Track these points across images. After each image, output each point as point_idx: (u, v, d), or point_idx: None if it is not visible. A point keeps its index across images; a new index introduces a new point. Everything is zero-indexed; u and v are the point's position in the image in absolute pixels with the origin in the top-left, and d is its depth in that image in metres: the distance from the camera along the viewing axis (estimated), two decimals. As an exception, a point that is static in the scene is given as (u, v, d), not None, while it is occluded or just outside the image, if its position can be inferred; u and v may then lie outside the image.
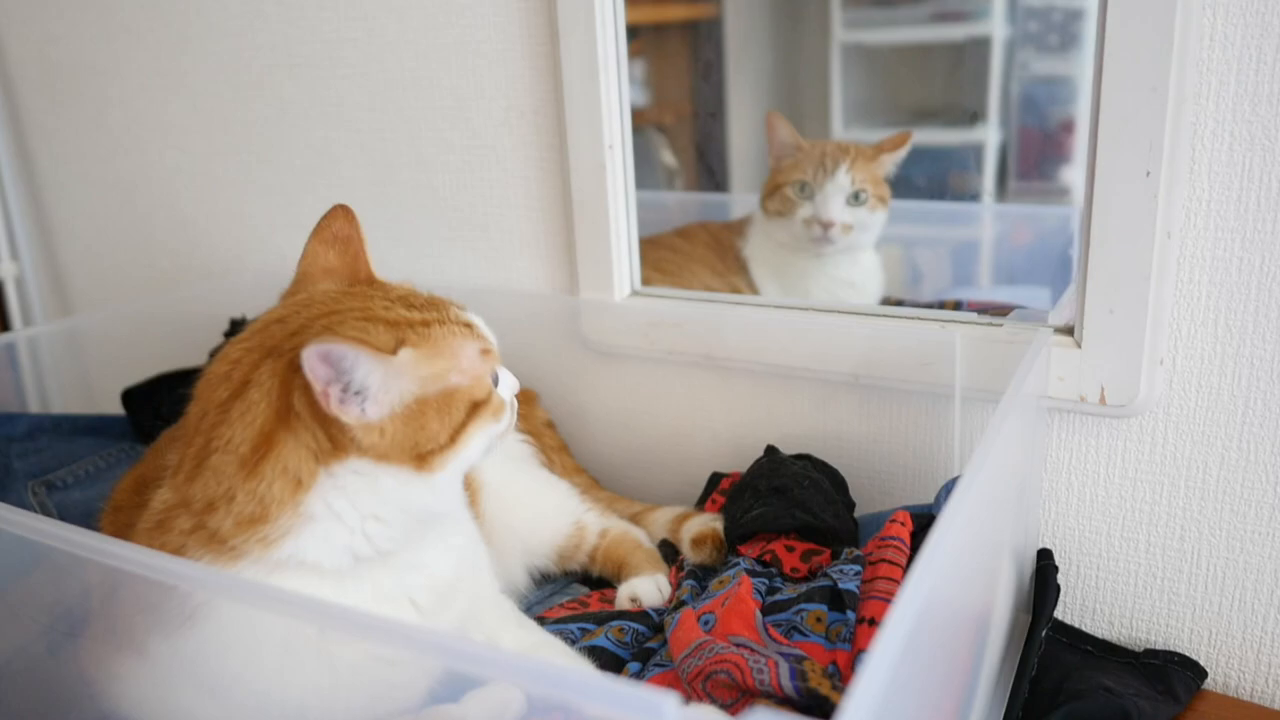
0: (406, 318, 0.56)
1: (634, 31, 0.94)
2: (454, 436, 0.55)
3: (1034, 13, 1.50)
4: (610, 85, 0.93)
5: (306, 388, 0.50)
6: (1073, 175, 1.48)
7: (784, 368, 0.93)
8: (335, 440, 0.52)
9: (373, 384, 0.51)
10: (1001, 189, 1.48)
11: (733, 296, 1.05)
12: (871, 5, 1.56)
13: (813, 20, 1.55)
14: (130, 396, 1.06)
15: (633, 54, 1.58)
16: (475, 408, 0.57)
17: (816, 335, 0.91)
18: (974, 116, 1.41)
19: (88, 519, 0.76)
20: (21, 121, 1.50)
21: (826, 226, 1.15)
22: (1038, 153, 1.54)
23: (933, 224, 1.37)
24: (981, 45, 1.46)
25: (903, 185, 1.22)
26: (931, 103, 1.35)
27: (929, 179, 1.36)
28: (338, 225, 0.64)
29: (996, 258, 1.44)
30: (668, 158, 1.61)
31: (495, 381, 0.61)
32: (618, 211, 0.97)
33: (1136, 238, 0.73)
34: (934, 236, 1.41)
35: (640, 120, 1.35)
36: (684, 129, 1.69)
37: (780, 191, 1.19)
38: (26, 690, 0.67)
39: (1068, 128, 1.51)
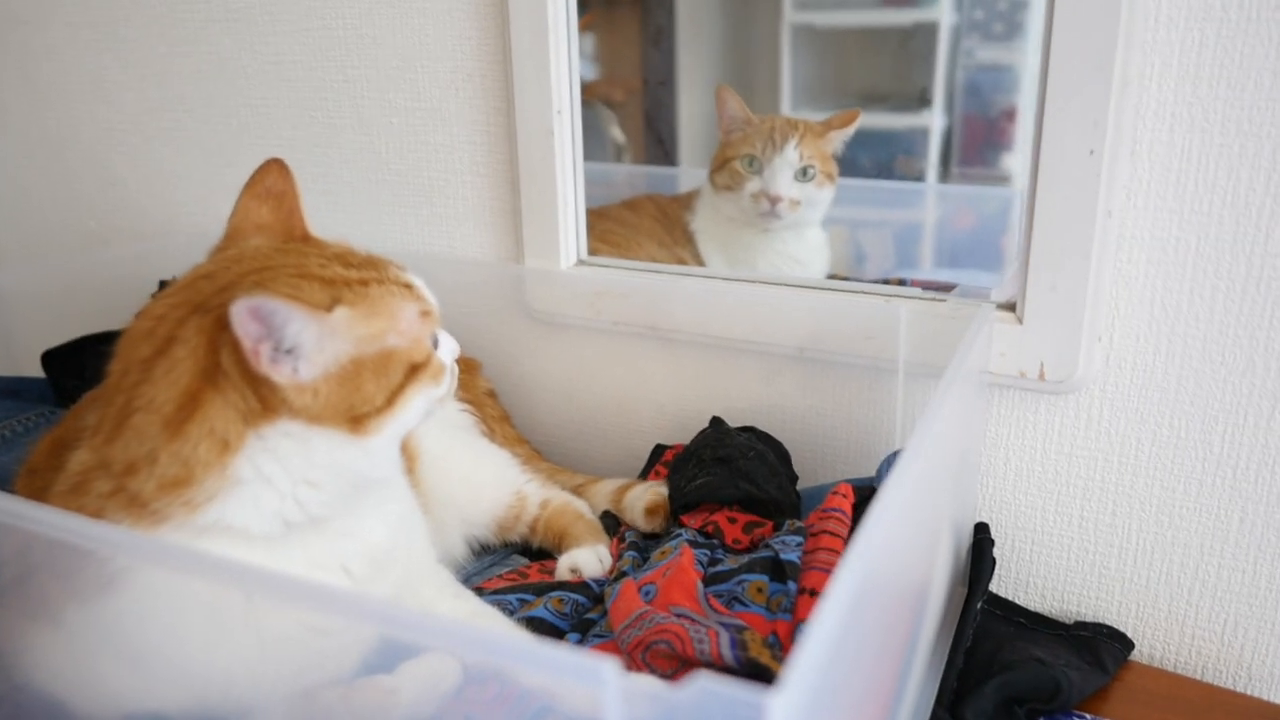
0: (343, 276, 0.54)
1: (584, 4, 0.93)
2: (391, 399, 0.54)
3: (979, 1, 1.51)
4: (560, 48, 0.91)
5: (235, 345, 0.48)
6: (1014, 162, 1.49)
7: (730, 340, 0.92)
8: (265, 401, 0.50)
9: (306, 343, 0.49)
10: (945, 174, 1.48)
11: (680, 268, 1.04)
12: None
13: (765, 1, 1.54)
14: (51, 358, 1.02)
15: (583, 28, 1.57)
16: (413, 370, 0.55)
17: (763, 308, 0.90)
18: (922, 97, 1.42)
19: (3, 483, 0.73)
20: (-61, 71, 1.42)
21: (774, 201, 1.15)
22: (981, 139, 1.55)
23: (877, 206, 1.39)
24: (928, 31, 1.47)
25: (849, 167, 1.24)
26: (879, 86, 1.37)
27: (875, 162, 1.38)
28: (271, 180, 0.61)
29: (939, 241, 1.46)
30: (616, 133, 1.60)
31: (435, 344, 0.59)
32: (565, 178, 0.95)
33: (1079, 216, 0.74)
34: (878, 219, 1.43)
35: (589, 95, 1.34)
36: (633, 104, 1.68)
37: (729, 165, 1.18)
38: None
39: (1010, 115, 1.52)
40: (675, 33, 1.58)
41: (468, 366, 1.01)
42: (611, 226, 1.22)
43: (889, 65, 1.51)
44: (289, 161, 1.01)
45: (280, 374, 0.49)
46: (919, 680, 0.70)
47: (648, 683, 0.39)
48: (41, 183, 1.39)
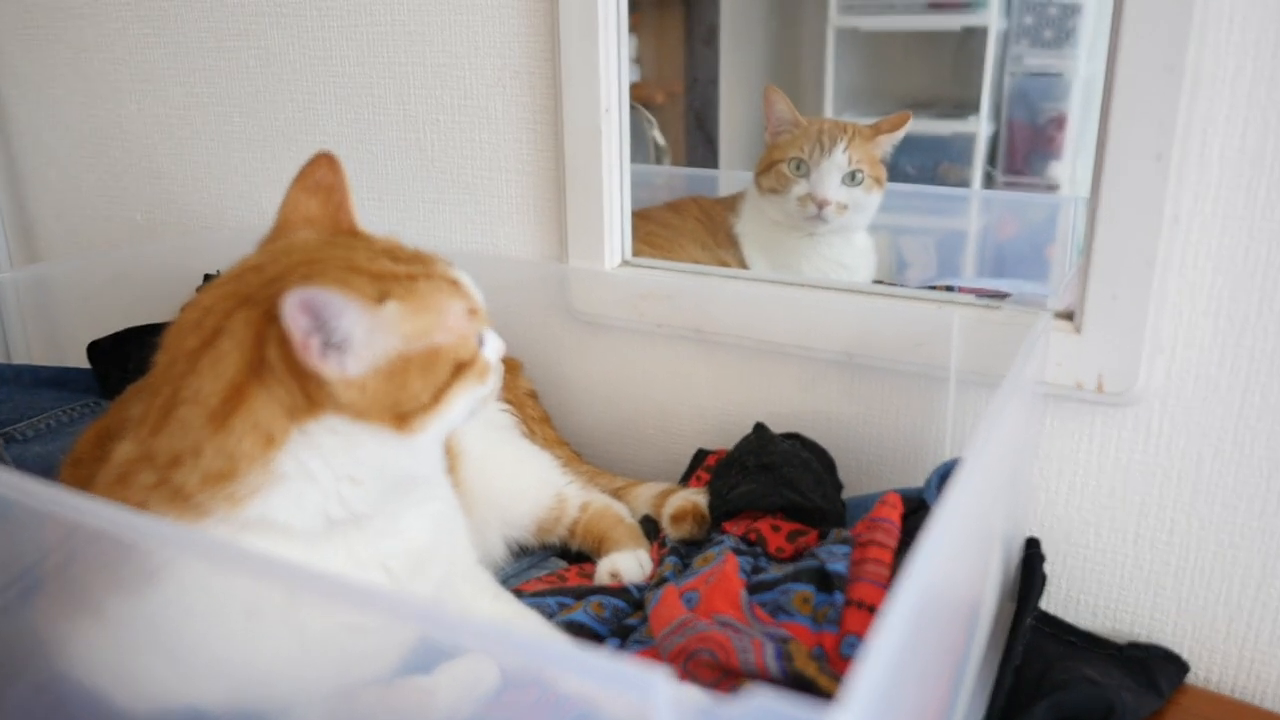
0: (392, 270, 0.53)
1: (631, 4, 0.92)
2: (437, 396, 0.53)
3: (1030, 6, 1.50)
4: (609, 46, 0.90)
5: (282, 339, 0.48)
6: (1061, 171, 1.48)
7: (775, 344, 0.91)
8: (311, 396, 0.49)
9: (356, 337, 0.49)
10: (990, 182, 1.47)
11: (726, 270, 1.03)
12: None
13: (809, 3, 1.54)
14: (96, 349, 1.02)
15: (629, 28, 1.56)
16: (460, 368, 0.55)
17: (809, 312, 0.89)
18: (968, 102, 1.40)
19: (47, 474, 0.73)
20: (-6, 64, 1.45)
21: (821, 205, 1.13)
22: (1028, 147, 1.53)
23: (920, 213, 1.37)
24: (977, 36, 1.45)
25: (893, 173, 1.21)
26: (925, 92, 1.36)
27: (919, 168, 1.36)
28: (321, 173, 0.61)
29: (982, 249, 1.44)
30: (657, 136, 1.59)
31: (481, 342, 0.58)
32: (611, 178, 0.94)
33: (1143, 222, 0.71)
34: (920, 225, 1.41)
35: (632, 97, 1.39)
36: (675, 107, 1.68)
37: (776, 168, 1.17)
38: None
39: (1059, 123, 1.51)
40: (719, 35, 1.58)
41: (509, 366, 1.00)
42: (654, 229, 1.20)
43: (935, 70, 1.49)
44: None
45: (329, 368, 0.48)
46: (967, 699, 0.68)
47: (699, 695, 0.37)
48: (90, 175, 1.40)
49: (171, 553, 0.47)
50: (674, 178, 1.64)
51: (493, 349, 0.59)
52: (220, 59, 1.21)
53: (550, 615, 0.71)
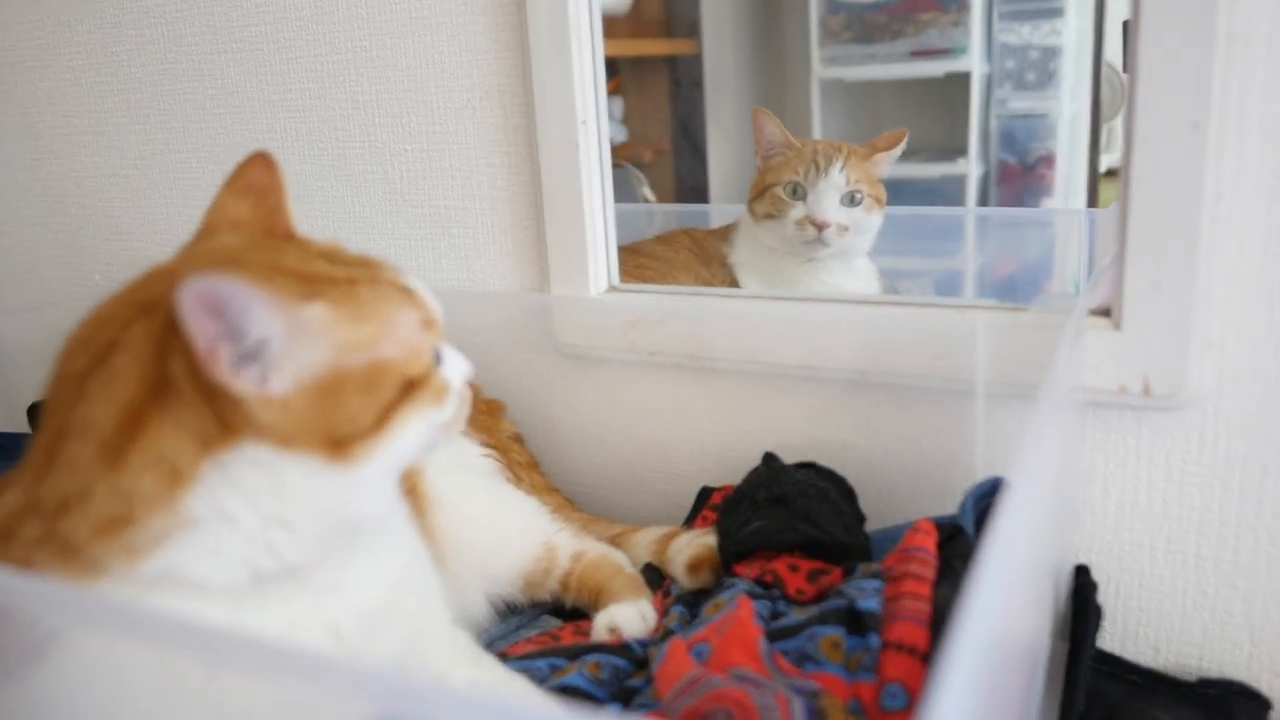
0: (326, 273, 0.45)
1: (613, 66, 0.87)
2: (381, 420, 0.44)
3: (1011, 50, 1.53)
4: (584, 51, 0.84)
5: (188, 350, 0.39)
6: (1054, 206, 1.53)
7: (780, 367, 0.83)
8: (225, 420, 0.41)
9: (274, 342, 0.41)
10: (983, 224, 1.46)
11: (722, 290, 0.96)
12: (850, 41, 1.57)
13: (792, 56, 1.56)
14: (35, 410, 0.93)
15: (611, 91, 1.55)
16: (410, 387, 0.46)
17: (816, 329, 0.81)
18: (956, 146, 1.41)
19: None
20: (-53, 126, 1.39)
21: (821, 228, 1.07)
22: (1019, 185, 1.55)
23: (916, 255, 1.36)
24: (960, 81, 1.48)
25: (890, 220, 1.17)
26: (912, 138, 1.35)
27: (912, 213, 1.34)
28: (254, 174, 0.53)
29: (980, 288, 1.43)
30: (647, 193, 1.57)
31: (438, 359, 0.50)
32: (593, 196, 0.87)
33: (1182, 201, 0.64)
34: (917, 269, 1.40)
35: (619, 156, 1.37)
36: (664, 164, 1.68)
37: (770, 192, 1.11)
38: None
39: (1048, 161, 1.53)
40: (704, 92, 1.58)
41: (490, 409, 0.92)
42: (645, 261, 1.14)
43: (921, 116, 1.52)
44: (298, 195, 0.94)
45: (243, 383, 0.40)
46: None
47: None
48: (45, 237, 1.33)
49: (57, 619, 0.38)
50: (666, 215, 1.61)
51: (453, 368, 0.51)
52: (175, 102, 1.14)
53: (541, 680, 0.61)
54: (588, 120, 0.85)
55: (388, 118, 0.99)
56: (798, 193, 1.09)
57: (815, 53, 1.51)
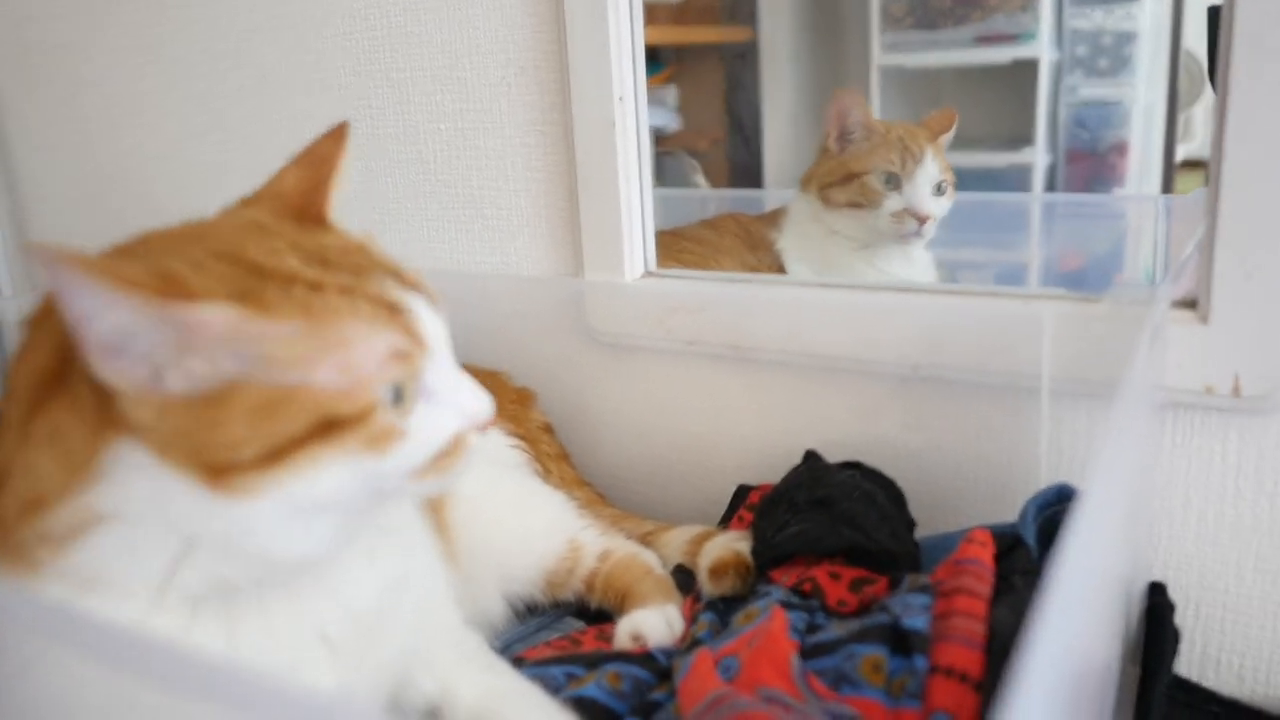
0: (283, 270, 0.40)
1: (667, 55, 0.83)
2: (274, 456, 0.37)
3: (1082, 36, 1.48)
4: (622, 25, 0.79)
5: None
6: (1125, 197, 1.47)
7: (826, 359, 0.77)
8: (106, 408, 0.36)
9: (141, 338, 0.35)
10: (1050, 214, 1.43)
11: (765, 276, 0.90)
12: (912, 28, 1.52)
13: (851, 43, 1.52)
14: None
15: (665, 80, 1.52)
16: (330, 427, 0.39)
17: (866, 319, 0.75)
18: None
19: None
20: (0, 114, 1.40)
21: (922, 220, 1.02)
22: (1088, 175, 1.50)
23: (979, 247, 1.31)
24: (1027, 69, 1.43)
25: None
26: (975, 127, 1.30)
27: (976, 204, 1.29)
28: (323, 146, 0.50)
29: (1045, 283, 1.36)
30: (700, 181, 1.54)
31: (397, 399, 0.42)
32: (629, 177, 0.82)
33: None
34: (979, 260, 1.35)
35: (673, 144, 1.39)
36: (718, 153, 1.65)
37: (859, 180, 1.05)
38: None
39: (1120, 150, 1.47)
40: (760, 80, 1.54)
41: (520, 398, 0.88)
42: (687, 245, 1.09)
43: (986, 104, 1.46)
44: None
45: (111, 373, 0.35)
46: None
47: None
48: (90, 218, 1.33)
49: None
50: (720, 200, 1.58)
51: (434, 417, 0.43)
52: (214, 83, 1.13)
53: (556, 690, 0.57)
54: (625, 97, 0.80)
55: (422, 96, 0.96)
56: (892, 182, 1.04)
57: (876, 39, 1.46)
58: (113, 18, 1.19)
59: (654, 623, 0.63)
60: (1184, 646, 0.69)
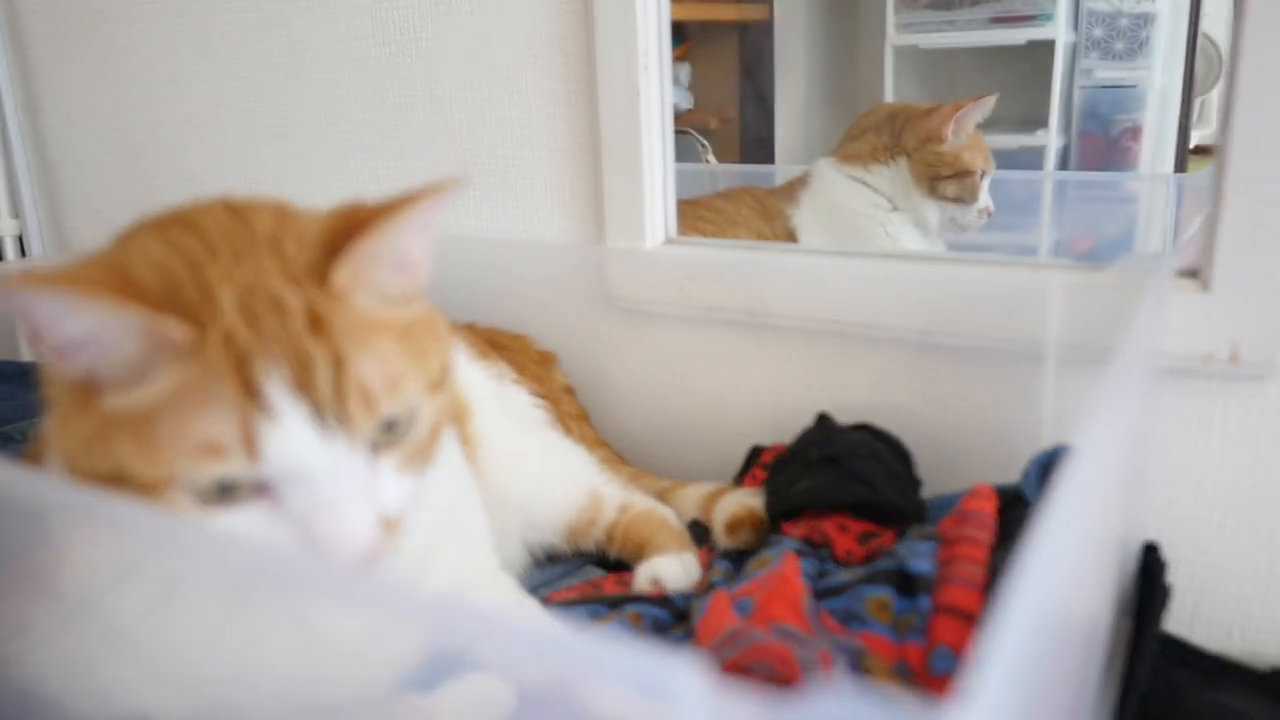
0: (211, 301, 0.40)
1: (682, 31, 0.85)
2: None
3: (1100, 18, 1.46)
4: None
5: None
6: (1137, 182, 1.45)
7: (840, 325, 0.80)
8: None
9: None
10: (1061, 196, 1.43)
11: (782, 245, 0.93)
12: (927, 7, 1.52)
13: (866, 22, 1.52)
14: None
15: (679, 57, 1.52)
16: (121, 481, 0.39)
17: (879, 287, 0.78)
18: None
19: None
20: (31, 76, 1.42)
21: (990, 215, 1.14)
22: (1101, 159, 1.48)
23: (989, 230, 1.34)
24: (1043, 50, 1.41)
25: None
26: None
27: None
28: (376, 214, 0.45)
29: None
30: (712, 160, 1.55)
31: (222, 491, 0.40)
32: (652, 144, 0.85)
33: (1285, 152, 0.59)
34: (990, 242, 1.37)
35: (683, 123, 1.36)
36: (729, 132, 1.64)
37: (969, 180, 1.13)
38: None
39: (1134, 134, 1.45)
40: (773, 59, 1.55)
41: (543, 360, 0.91)
42: (704, 214, 1.12)
43: (999, 85, 1.43)
44: (359, 147, 0.94)
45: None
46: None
47: (741, 701, 0.26)
48: (123, 181, 1.37)
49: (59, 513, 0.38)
50: (730, 176, 1.59)
51: (266, 531, 0.40)
52: (245, 51, 1.15)
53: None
54: (649, 66, 0.82)
55: (449, 66, 0.99)
56: (982, 181, 1.13)
57: (890, 19, 1.47)
58: (145, -15, 1.22)
59: (672, 568, 0.67)
60: (1175, 604, 0.72)
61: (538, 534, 0.73)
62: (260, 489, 0.40)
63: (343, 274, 0.42)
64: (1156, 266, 0.66)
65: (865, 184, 1.18)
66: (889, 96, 1.59)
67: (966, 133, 1.14)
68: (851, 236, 1.14)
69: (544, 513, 0.73)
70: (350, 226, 0.43)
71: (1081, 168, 1.53)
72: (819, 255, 0.83)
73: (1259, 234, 0.61)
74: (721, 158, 1.57)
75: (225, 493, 0.39)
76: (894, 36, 1.50)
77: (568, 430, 0.85)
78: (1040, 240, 1.39)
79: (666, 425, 0.92)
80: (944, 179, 1.12)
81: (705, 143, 1.58)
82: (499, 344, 0.88)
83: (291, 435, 0.39)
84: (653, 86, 0.83)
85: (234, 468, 0.39)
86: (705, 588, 0.64)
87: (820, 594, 0.57)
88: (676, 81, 1.27)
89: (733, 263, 0.84)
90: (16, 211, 1.41)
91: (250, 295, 0.40)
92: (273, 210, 0.46)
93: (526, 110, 0.95)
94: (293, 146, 1.15)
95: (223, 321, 0.39)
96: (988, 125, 1.40)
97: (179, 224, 0.44)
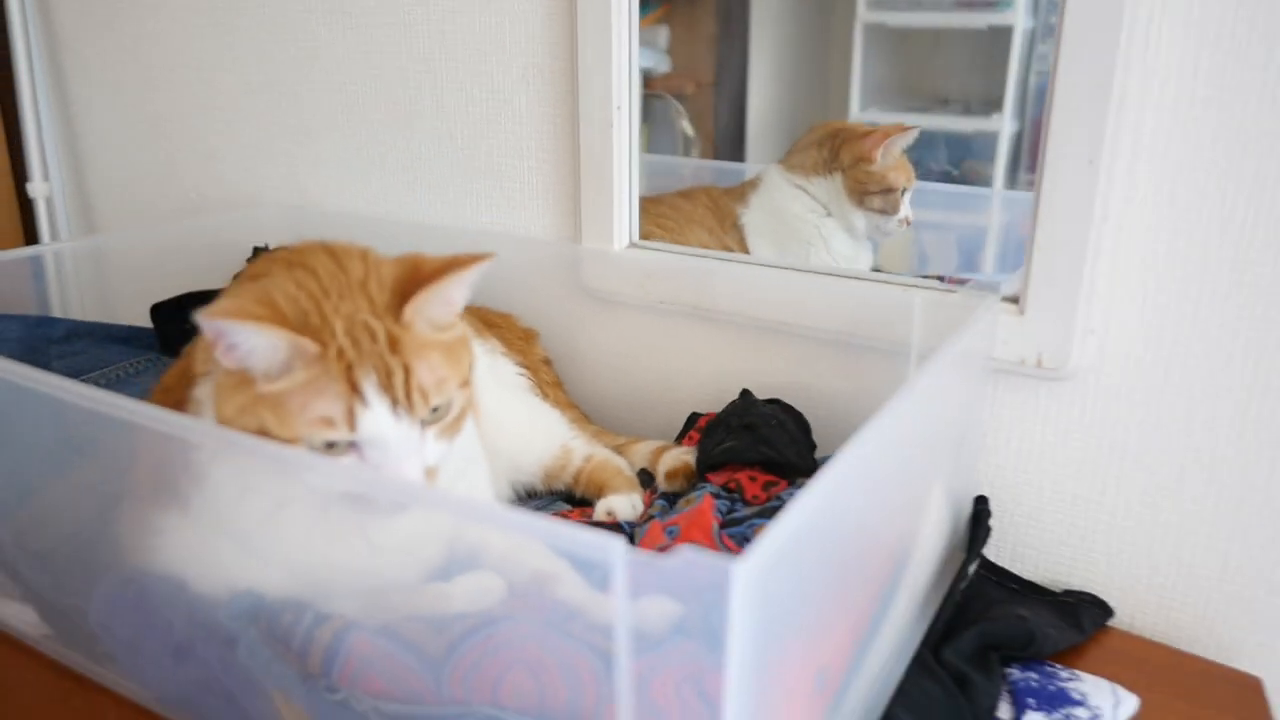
0: (328, 326, 0.61)
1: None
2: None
3: (1057, 6, 1.54)
4: (622, 50, 1.01)
5: None
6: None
7: (764, 322, 1.02)
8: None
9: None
10: (1013, 180, 1.46)
11: (724, 254, 1.14)
12: None
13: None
14: (159, 310, 1.15)
15: (657, 21, 1.60)
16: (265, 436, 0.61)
17: (794, 293, 1.00)
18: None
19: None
20: (59, 51, 1.57)
21: (909, 223, 1.30)
22: None
23: (943, 209, 1.43)
24: (1002, 35, 1.45)
25: (918, 170, 1.32)
26: (949, 89, 1.41)
27: (941, 166, 1.43)
28: (439, 268, 0.65)
29: (1003, 245, 1.49)
30: (685, 126, 1.67)
31: (329, 447, 0.61)
32: (621, 168, 1.05)
33: (1077, 219, 0.82)
34: (942, 221, 1.45)
35: (660, 87, 1.43)
36: (705, 98, 1.69)
37: (893, 195, 1.29)
38: (79, 550, 0.77)
39: None
40: (749, 28, 1.59)
41: (527, 336, 1.12)
42: (665, 211, 1.31)
43: (960, 68, 1.52)
44: (370, 143, 1.12)
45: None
46: (909, 625, 0.79)
47: (646, 556, 0.47)
48: (146, 155, 1.53)
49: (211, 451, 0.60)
50: (701, 169, 1.69)
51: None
52: (270, 50, 1.32)
53: (553, 544, 0.82)
54: (621, 106, 1.03)
55: (455, 85, 1.17)
56: (904, 195, 1.30)
57: None
58: (180, -16, 1.38)
59: (623, 504, 0.89)
60: (998, 544, 0.96)
61: (521, 477, 0.95)
62: (352, 447, 0.61)
63: (409, 312, 0.63)
64: (989, 294, 0.89)
65: (806, 191, 1.37)
66: (856, 72, 1.67)
67: (893, 156, 1.32)
68: (790, 236, 1.34)
69: (525, 461, 0.95)
70: (415, 278, 0.64)
71: (1033, 154, 1.64)
72: (751, 266, 1.04)
73: (1055, 279, 0.83)
74: (697, 123, 1.63)
75: (330, 448, 0.61)
76: (864, 13, 1.53)
77: (545, 395, 1.07)
78: (990, 221, 1.51)
79: (625, 393, 1.13)
80: (871, 194, 1.31)
81: (681, 107, 1.72)
82: (490, 321, 1.09)
83: (376, 417, 0.60)
84: (623, 122, 1.03)
85: (339, 434, 0.60)
86: (646, 519, 0.87)
87: (726, 524, 0.79)
88: (655, 45, 1.38)
89: (683, 267, 1.05)
90: (46, 176, 1.58)
91: (352, 324, 0.61)
92: (359, 255, 0.66)
93: (520, 126, 1.14)
94: (307, 138, 1.34)
95: (336, 341, 0.60)
96: (946, 106, 1.50)
97: (300, 266, 0.64)
